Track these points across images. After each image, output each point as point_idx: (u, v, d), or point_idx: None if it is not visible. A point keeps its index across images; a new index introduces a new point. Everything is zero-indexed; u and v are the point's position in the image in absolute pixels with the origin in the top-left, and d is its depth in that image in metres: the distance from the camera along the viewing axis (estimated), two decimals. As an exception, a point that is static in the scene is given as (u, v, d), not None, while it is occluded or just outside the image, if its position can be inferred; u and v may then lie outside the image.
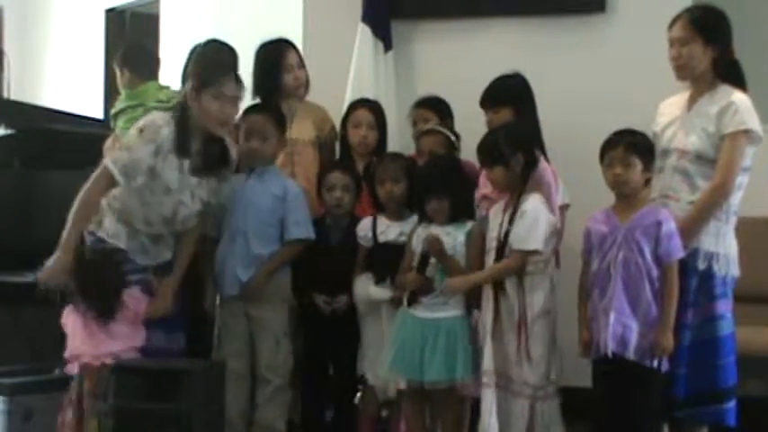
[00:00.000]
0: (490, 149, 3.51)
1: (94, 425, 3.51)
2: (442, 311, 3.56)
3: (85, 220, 3.59)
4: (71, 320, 3.61)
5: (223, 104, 3.56)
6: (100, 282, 3.56)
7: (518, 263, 3.43)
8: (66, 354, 3.61)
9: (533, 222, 3.40)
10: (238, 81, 3.60)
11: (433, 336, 3.53)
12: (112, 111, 4.49)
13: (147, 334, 3.64)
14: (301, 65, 4.29)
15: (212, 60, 3.64)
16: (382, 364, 3.70)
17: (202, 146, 3.62)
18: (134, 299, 3.62)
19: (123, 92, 4.49)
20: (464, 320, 3.57)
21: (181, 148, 3.57)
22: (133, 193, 3.58)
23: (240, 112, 4.21)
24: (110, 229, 3.62)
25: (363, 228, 3.85)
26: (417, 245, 3.60)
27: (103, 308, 3.55)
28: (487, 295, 3.51)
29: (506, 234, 3.45)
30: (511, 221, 3.45)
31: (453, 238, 3.56)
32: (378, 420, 3.91)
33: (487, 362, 3.45)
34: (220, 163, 3.68)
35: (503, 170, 3.48)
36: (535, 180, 3.54)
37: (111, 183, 3.57)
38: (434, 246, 3.53)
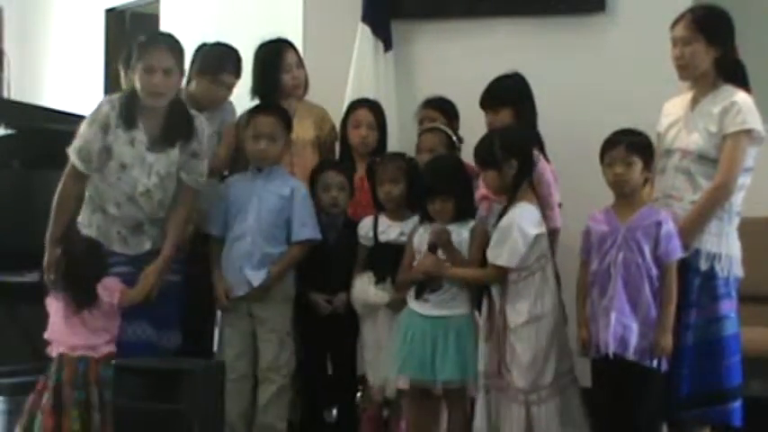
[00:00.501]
0: (484, 153, 3.51)
1: (75, 414, 3.54)
2: (449, 309, 3.55)
3: (62, 213, 3.71)
4: (53, 307, 3.69)
5: (152, 76, 3.60)
6: (77, 270, 3.63)
7: (490, 275, 3.45)
8: (46, 335, 3.69)
9: (504, 238, 3.40)
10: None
11: (443, 334, 3.52)
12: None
13: (126, 326, 3.67)
14: (300, 65, 4.29)
15: (150, 35, 3.72)
16: (383, 364, 3.70)
17: (163, 118, 3.66)
18: (107, 289, 3.65)
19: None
20: (470, 319, 3.56)
21: (126, 119, 3.65)
22: (98, 176, 3.68)
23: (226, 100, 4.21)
24: (85, 220, 3.75)
25: (364, 227, 3.85)
26: (421, 244, 3.59)
27: (80, 296, 3.62)
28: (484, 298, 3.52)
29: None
30: (493, 229, 3.47)
31: (458, 234, 3.56)
32: (379, 420, 3.89)
33: (480, 364, 3.47)
34: (180, 133, 3.68)
35: (495, 174, 3.48)
36: (535, 179, 3.54)
37: (77, 172, 3.69)
38: (442, 236, 3.53)
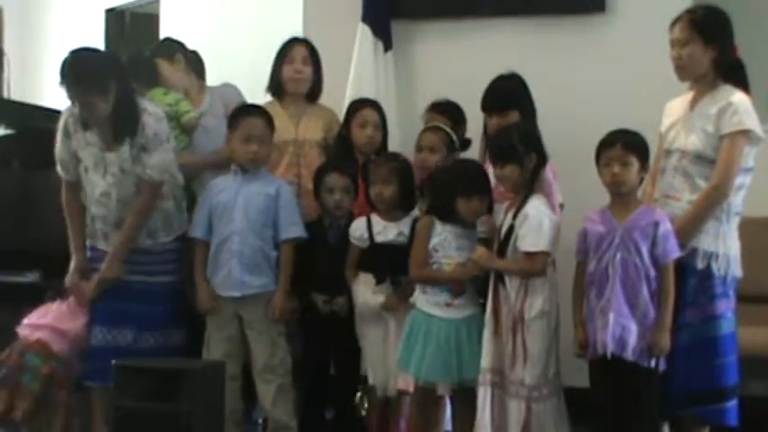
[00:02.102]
0: (505, 147, 3.48)
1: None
2: (469, 309, 3.56)
3: (69, 222, 3.86)
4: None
5: (78, 108, 3.74)
6: None
7: (536, 267, 3.40)
8: None
9: (539, 224, 3.39)
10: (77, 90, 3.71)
11: (467, 334, 3.52)
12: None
13: (99, 329, 3.79)
14: (307, 61, 4.26)
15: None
16: (383, 363, 3.70)
17: (111, 118, 3.71)
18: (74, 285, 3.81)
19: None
20: (482, 316, 3.56)
21: (83, 122, 3.75)
22: (82, 180, 3.82)
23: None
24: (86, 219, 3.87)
25: (358, 228, 3.82)
26: (441, 244, 3.55)
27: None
28: (489, 293, 3.51)
29: (507, 235, 3.45)
30: (512, 224, 3.44)
31: (473, 241, 3.56)
32: (384, 419, 3.88)
33: (485, 359, 3.46)
34: (126, 130, 3.71)
35: (516, 169, 3.46)
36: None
37: (65, 180, 3.86)
38: (494, 229, 3.53)
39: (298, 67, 4.24)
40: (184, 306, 3.94)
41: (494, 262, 3.49)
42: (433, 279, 3.57)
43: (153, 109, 3.79)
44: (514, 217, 3.44)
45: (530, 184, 3.47)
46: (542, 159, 3.50)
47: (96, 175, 3.76)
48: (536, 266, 3.40)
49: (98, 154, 3.75)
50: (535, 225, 3.39)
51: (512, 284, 3.44)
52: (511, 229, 3.44)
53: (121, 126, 3.70)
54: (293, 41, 4.30)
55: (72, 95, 3.66)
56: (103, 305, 3.81)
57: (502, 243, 3.47)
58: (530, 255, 3.39)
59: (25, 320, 3.86)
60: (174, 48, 4.44)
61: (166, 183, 3.83)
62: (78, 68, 3.67)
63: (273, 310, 3.80)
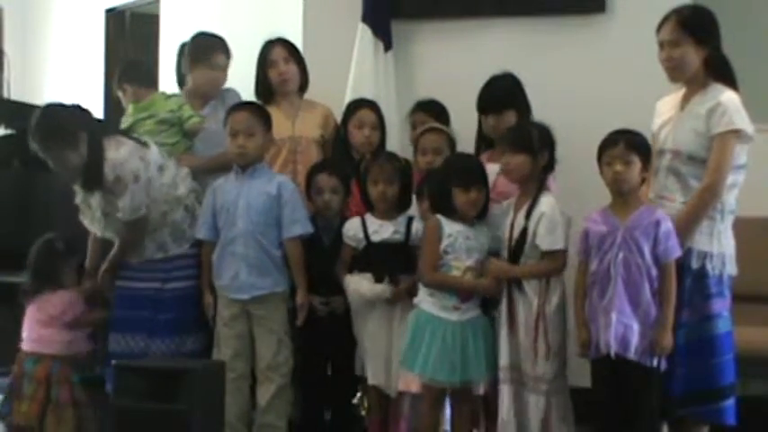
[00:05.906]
0: (523, 137, 3.51)
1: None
2: (473, 311, 3.57)
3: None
4: None
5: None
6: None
7: (557, 265, 3.45)
8: None
9: (556, 222, 3.42)
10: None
11: (473, 335, 3.54)
12: (121, 127, 4.45)
13: (114, 335, 3.88)
14: (288, 60, 4.28)
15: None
16: (380, 361, 3.71)
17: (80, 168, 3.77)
18: (60, 299, 3.95)
19: (130, 106, 4.46)
20: (486, 317, 3.58)
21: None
22: None
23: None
24: None
25: (352, 228, 3.83)
26: (452, 245, 3.53)
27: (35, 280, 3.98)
28: (503, 293, 3.53)
29: (522, 234, 3.46)
30: (527, 222, 3.45)
31: (479, 242, 3.58)
32: (385, 420, 3.88)
33: (503, 358, 3.48)
34: (91, 178, 3.76)
35: (528, 160, 3.48)
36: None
37: None
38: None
39: (281, 70, 4.26)
40: (200, 311, 3.94)
41: (513, 271, 3.50)
42: (448, 286, 3.56)
43: (112, 155, 3.76)
44: (526, 218, 3.45)
45: (538, 183, 3.49)
46: (551, 163, 3.52)
47: (91, 217, 3.91)
48: (557, 264, 3.45)
49: (86, 201, 3.88)
50: (553, 223, 3.42)
51: (530, 284, 3.46)
52: (524, 231, 3.46)
53: (87, 174, 3.75)
54: (269, 45, 4.30)
55: (42, 151, 3.69)
56: (118, 312, 3.89)
57: (515, 246, 3.49)
58: (551, 253, 3.42)
59: (24, 335, 3.97)
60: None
61: (169, 201, 3.90)
62: (47, 124, 3.71)
63: (301, 309, 3.80)
